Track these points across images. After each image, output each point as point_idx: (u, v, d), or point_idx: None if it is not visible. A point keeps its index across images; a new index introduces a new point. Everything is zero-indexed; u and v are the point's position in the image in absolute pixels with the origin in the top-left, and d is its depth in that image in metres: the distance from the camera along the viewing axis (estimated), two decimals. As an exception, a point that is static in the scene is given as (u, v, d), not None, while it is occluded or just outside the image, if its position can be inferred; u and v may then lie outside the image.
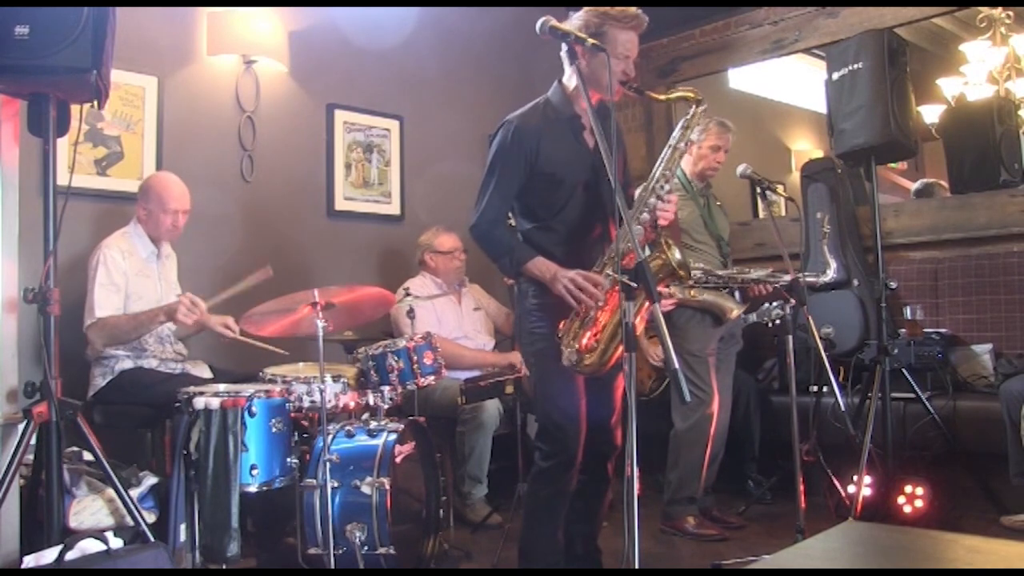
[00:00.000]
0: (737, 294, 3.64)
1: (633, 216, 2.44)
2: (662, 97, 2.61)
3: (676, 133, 2.55)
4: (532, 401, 3.69)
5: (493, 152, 2.54)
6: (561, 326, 2.44)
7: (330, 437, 2.85)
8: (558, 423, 2.49)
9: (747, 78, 6.56)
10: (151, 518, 2.60)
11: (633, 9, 2.45)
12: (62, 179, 2.39)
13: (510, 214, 2.65)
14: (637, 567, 1.89)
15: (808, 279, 3.33)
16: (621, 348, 2.36)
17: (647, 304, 2.20)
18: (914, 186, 5.40)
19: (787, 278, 3.42)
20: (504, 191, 2.51)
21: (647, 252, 2.47)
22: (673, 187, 2.51)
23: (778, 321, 3.49)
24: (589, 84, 2.42)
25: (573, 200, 2.51)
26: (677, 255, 2.44)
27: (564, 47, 2.41)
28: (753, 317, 3.61)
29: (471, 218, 2.54)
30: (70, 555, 2.10)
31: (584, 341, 2.39)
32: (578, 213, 2.52)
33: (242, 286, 3.18)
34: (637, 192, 2.55)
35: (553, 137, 2.50)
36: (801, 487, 2.92)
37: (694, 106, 2.53)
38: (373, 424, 2.95)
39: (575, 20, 2.45)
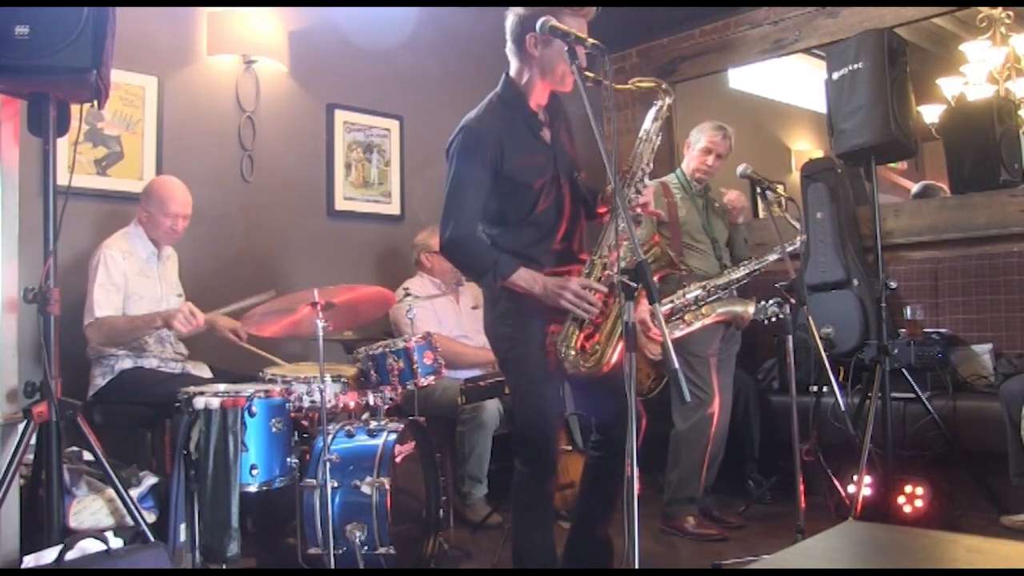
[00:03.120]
0: (734, 293, 3.65)
1: (616, 215, 2.34)
2: (623, 87, 2.46)
3: (646, 125, 2.48)
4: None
5: (457, 161, 2.42)
6: (552, 330, 2.39)
7: (330, 437, 2.85)
8: (539, 429, 2.44)
9: (747, 78, 6.56)
10: (151, 518, 2.60)
11: None
12: (62, 179, 2.39)
13: None
14: (637, 567, 1.89)
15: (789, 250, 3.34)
16: (620, 349, 2.34)
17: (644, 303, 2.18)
18: (914, 188, 5.41)
19: (772, 258, 3.45)
20: (475, 200, 2.41)
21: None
22: (647, 184, 2.47)
23: (775, 319, 3.49)
24: (543, 75, 2.40)
25: (540, 201, 2.45)
26: (668, 249, 2.44)
27: (509, 43, 2.40)
28: (751, 311, 3.60)
29: (442, 234, 2.43)
30: (70, 555, 2.10)
31: (582, 344, 2.37)
32: (546, 213, 2.46)
33: (244, 304, 3.18)
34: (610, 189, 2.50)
35: (513, 138, 2.42)
36: (801, 487, 2.92)
37: (663, 98, 2.45)
38: (373, 424, 2.95)
39: (522, 11, 2.36)
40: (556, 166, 2.48)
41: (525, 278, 2.37)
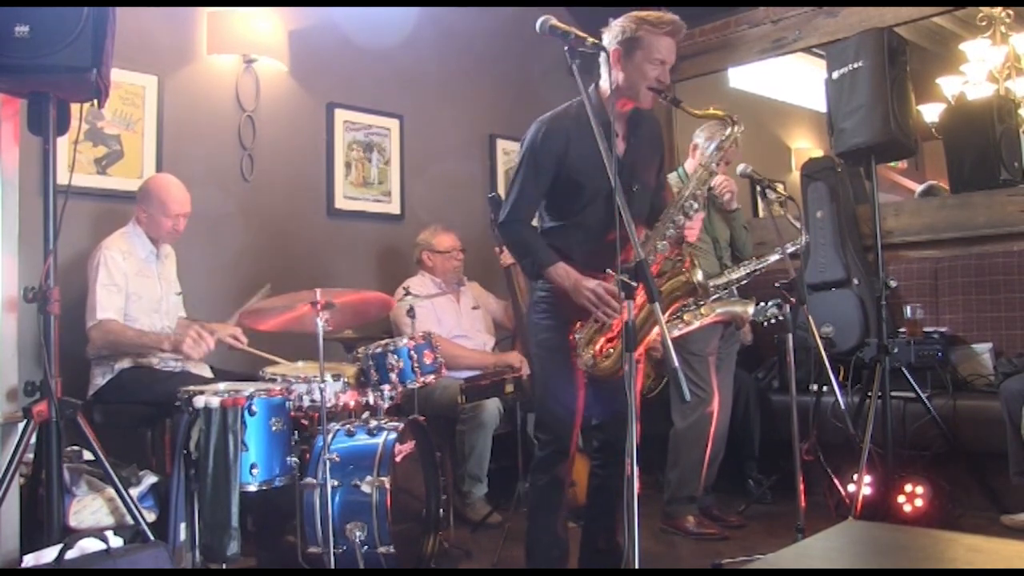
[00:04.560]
0: (735, 292, 3.65)
1: (660, 232, 2.50)
2: (698, 112, 2.56)
3: (710, 153, 2.57)
4: (532, 399, 3.71)
5: (523, 150, 2.57)
6: (578, 326, 2.48)
7: (330, 436, 2.85)
8: (555, 413, 2.55)
9: (747, 77, 6.56)
10: (151, 517, 2.60)
11: (669, 15, 2.47)
12: (62, 178, 2.39)
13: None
14: (637, 567, 1.89)
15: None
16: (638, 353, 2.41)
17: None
18: (919, 188, 5.41)
19: (773, 258, 3.45)
20: (531, 189, 2.54)
21: (671, 266, 2.50)
22: (699, 207, 2.53)
23: (773, 320, 3.49)
24: (624, 91, 2.48)
25: (594, 204, 2.51)
26: (699, 276, 2.47)
27: (602, 54, 2.41)
28: (750, 311, 3.60)
29: (500, 215, 2.59)
30: (70, 554, 2.10)
31: (599, 347, 2.43)
32: (598, 217, 2.52)
33: (245, 308, 3.18)
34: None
35: (582, 141, 2.47)
36: (801, 486, 2.92)
37: (731, 127, 2.53)
38: (373, 423, 2.95)
39: (614, 27, 2.49)
40: (620, 175, 2.46)
41: (560, 272, 2.48)
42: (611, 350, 2.43)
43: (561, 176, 2.51)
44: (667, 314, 2.56)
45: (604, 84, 2.53)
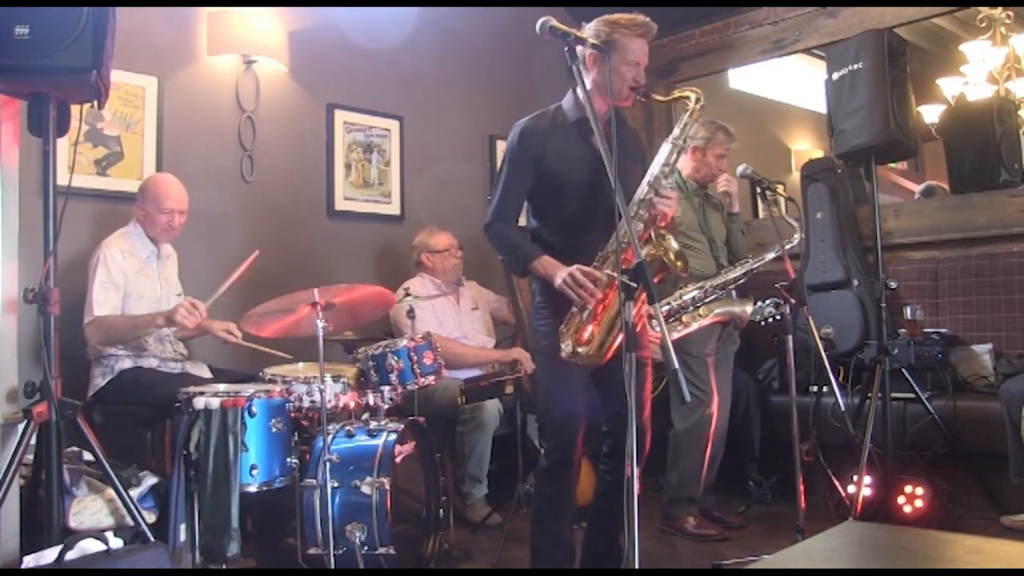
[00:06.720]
0: (734, 293, 3.65)
1: (633, 214, 2.46)
2: (664, 98, 2.67)
3: (676, 131, 2.56)
4: (532, 399, 3.72)
5: (506, 155, 2.62)
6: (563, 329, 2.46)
7: (330, 437, 2.85)
8: (558, 420, 2.54)
9: (747, 78, 6.57)
10: (151, 518, 2.60)
11: (641, 17, 2.50)
12: (62, 179, 2.39)
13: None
14: (637, 567, 1.89)
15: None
16: (619, 340, 2.39)
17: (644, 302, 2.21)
18: (919, 189, 5.42)
19: (770, 256, 3.45)
20: (512, 190, 2.58)
21: (644, 250, 2.47)
22: (671, 184, 2.54)
23: (770, 320, 3.49)
24: (601, 92, 2.49)
25: (577, 199, 2.55)
26: (674, 244, 2.50)
27: (572, 62, 2.40)
28: (749, 311, 3.60)
29: (485, 218, 2.62)
30: (70, 555, 2.10)
31: (583, 335, 2.42)
32: (582, 212, 2.55)
33: (234, 276, 3.17)
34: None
35: (559, 139, 2.56)
36: (801, 487, 2.92)
37: (693, 102, 2.55)
38: (373, 424, 2.95)
39: (587, 30, 2.49)
40: (597, 173, 2.48)
41: (544, 264, 2.49)
42: (593, 335, 2.41)
43: (542, 174, 2.55)
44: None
45: (579, 90, 2.55)
